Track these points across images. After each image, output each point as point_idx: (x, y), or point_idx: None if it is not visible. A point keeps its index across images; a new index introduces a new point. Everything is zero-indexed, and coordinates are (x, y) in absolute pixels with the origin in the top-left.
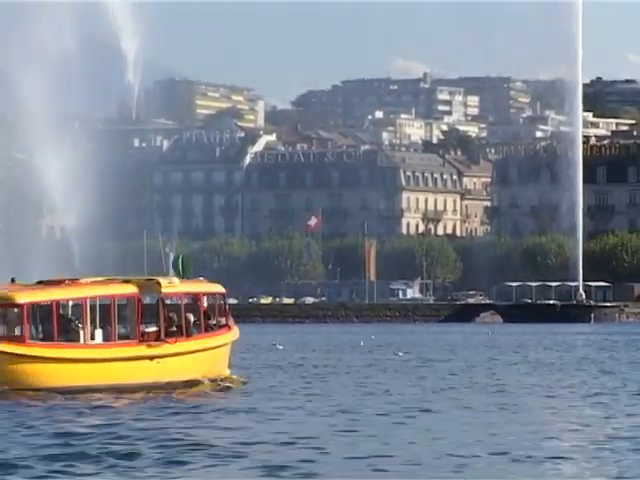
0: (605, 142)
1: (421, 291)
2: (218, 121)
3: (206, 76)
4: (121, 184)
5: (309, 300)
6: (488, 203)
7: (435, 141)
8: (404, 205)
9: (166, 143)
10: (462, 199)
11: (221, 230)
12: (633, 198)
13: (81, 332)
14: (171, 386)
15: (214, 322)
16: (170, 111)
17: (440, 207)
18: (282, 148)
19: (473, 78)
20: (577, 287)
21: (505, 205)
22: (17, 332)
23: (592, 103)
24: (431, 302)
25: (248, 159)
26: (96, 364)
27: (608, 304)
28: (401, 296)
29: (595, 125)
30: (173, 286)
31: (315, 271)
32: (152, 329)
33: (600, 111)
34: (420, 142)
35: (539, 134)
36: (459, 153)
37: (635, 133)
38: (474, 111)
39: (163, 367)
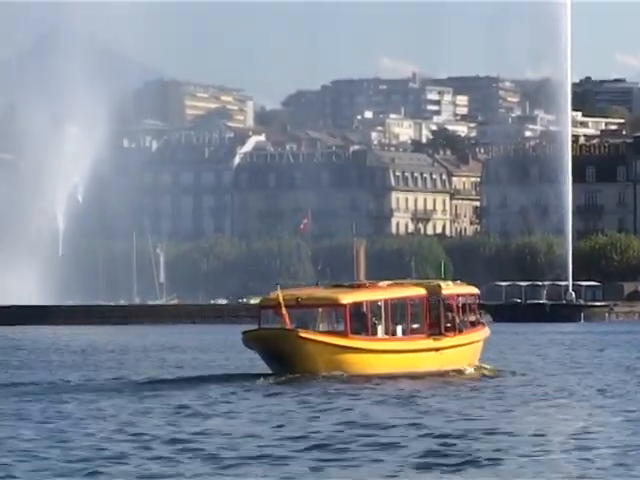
0: (594, 141)
1: None
2: (207, 122)
3: (195, 76)
4: (110, 185)
5: None
6: (477, 203)
7: (424, 141)
8: (393, 205)
9: (155, 144)
10: (451, 199)
11: (211, 231)
12: (622, 197)
13: (384, 327)
14: (447, 374)
15: (473, 319)
16: (159, 112)
17: (429, 207)
18: (271, 148)
19: (462, 78)
20: (567, 287)
21: (494, 205)
22: (340, 327)
23: (581, 102)
24: None
25: (237, 159)
26: (398, 355)
27: (598, 303)
28: None
29: (584, 124)
30: (449, 288)
31: (305, 271)
32: (435, 325)
33: (589, 110)
34: (409, 142)
35: (528, 134)
36: (448, 153)
37: (624, 132)
38: (463, 111)
39: (444, 357)
